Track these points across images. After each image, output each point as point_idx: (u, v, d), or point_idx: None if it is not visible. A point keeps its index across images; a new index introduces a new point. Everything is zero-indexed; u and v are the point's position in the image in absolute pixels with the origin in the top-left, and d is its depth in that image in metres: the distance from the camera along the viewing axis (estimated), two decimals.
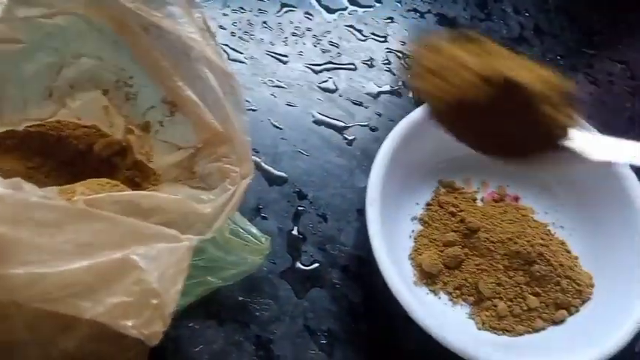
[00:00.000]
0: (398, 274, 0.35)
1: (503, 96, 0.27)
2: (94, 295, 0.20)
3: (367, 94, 0.48)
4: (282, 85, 0.47)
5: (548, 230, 0.41)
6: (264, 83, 0.47)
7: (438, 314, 0.38)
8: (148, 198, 0.25)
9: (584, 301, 0.38)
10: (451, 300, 0.39)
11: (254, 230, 0.38)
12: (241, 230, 0.37)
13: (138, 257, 0.21)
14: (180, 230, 0.24)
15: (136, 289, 0.21)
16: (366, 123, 0.46)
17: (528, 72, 0.27)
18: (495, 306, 0.38)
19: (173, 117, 0.29)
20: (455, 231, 0.40)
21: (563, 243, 0.41)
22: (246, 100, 0.46)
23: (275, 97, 0.46)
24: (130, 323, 0.21)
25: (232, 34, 0.49)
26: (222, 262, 0.37)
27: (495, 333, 0.38)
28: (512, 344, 0.37)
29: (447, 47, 0.28)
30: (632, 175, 0.40)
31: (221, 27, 0.49)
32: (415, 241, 0.41)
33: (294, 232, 0.41)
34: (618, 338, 0.34)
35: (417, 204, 0.43)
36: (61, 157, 0.35)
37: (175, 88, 0.27)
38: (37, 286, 0.19)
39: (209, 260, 0.37)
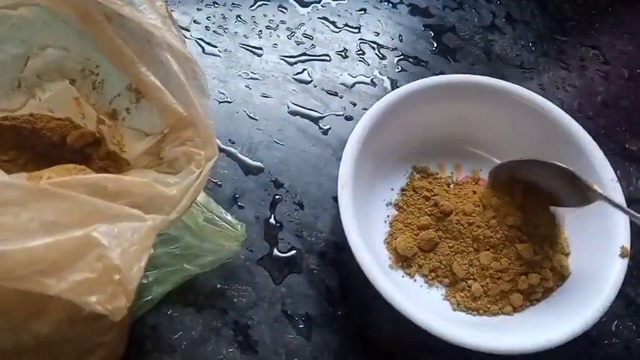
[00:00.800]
0: (372, 257, 0.35)
1: None
2: (57, 272, 0.21)
3: (342, 84, 0.48)
4: (256, 77, 0.48)
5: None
6: (239, 76, 0.47)
7: (414, 297, 0.39)
8: (113, 181, 0.25)
9: (557, 284, 0.39)
10: (427, 282, 0.40)
11: (229, 218, 0.38)
12: (217, 218, 0.38)
13: (100, 235, 0.21)
14: (146, 212, 0.25)
15: (98, 266, 0.21)
16: (340, 112, 0.47)
17: None
18: (470, 287, 0.39)
19: (139, 104, 0.29)
20: (429, 215, 0.41)
21: (536, 226, 0.41)
22: (222, 93, 0.47)
23: (250, 88, 0.47)
24: (93, 299, 0.21)
25: (207, 28, 0.49)
26: (198, 249, 0.37)
27: (470, 313, 0.38)
28: (487, 324, 0.38)
29: None
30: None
31: (195, 21, 0.49)
32: (390, 226, 0.42)
33: (271, 220, 0.42)
34: (588, 316, 0.34)
35: (392, 189, 0.43)
36: (36, 149, 0.36)
37: (139, 74, 0.28)
38: (1, 262, 0.20)
39: (185, 248, 0.37)
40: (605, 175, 0.40)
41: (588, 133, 0.41)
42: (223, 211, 0.38)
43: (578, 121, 0.42)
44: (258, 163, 0.44)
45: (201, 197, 0.39)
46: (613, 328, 0.41)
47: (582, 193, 0.37)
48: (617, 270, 0.36)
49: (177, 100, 0.27)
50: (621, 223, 0.38)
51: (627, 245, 0.37)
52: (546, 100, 0.42)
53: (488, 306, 0.38)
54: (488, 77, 0.43)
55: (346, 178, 0.37)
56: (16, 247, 0.20)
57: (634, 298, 0.42)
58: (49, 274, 0.21)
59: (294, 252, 0.41)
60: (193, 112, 0.27)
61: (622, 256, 0.36)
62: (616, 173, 0.47)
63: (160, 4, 0.28)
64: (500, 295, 0.38)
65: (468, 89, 0.42)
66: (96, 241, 0.21)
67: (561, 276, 0.39)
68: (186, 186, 0.26)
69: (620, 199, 0.39)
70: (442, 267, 0.39)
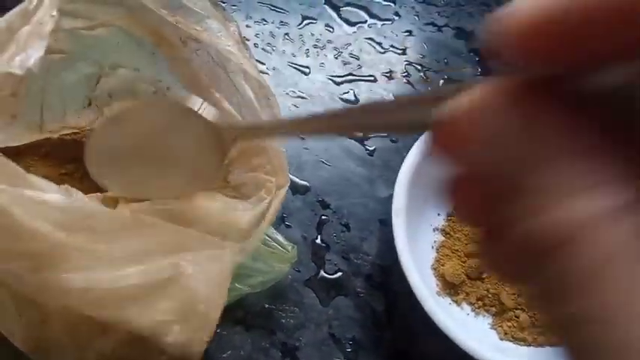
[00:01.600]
0: (423, 283, 0.36)
1: None
2: (145, 301, 0.21)
3: None
4: (303, 95, 0.48)
5: None
6: (287, 94, 0.48)
7: (461, 324, 0.38)
8: (189, 206, 0.25)
9: None
10: (473, 311, 0.39)
11: (281, 238, 0.38)
12: (268, 238, 0.38)
13: (187, 263, 0.22)
14: (221, 239, 0.25)
15: (183, 295, 0.21)
16: (385, 134, 0.47)
17: None
18: (517, 317, 0.38)
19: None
20: (476, 242, 0.41)
21: None
22: None
23: (297, 107, 0.47)
24: (176, 328, 0.21)
25: (255, 45, 0.50)
26: (249, 269, 0.37)
27: (517, 343, 0.38)
28: (534, 355, 0.37)
29: None
30: None
31: (244, 38, 0.50)
32: (437, 252, 0.41)
33: (318, 240, 0.42)
34: None
35: (439, 214, 0.43)
36: None
37: (212, 99, 0.28)
38: (91, 292, 0.20)
39: (237, 267, 0.37)
40: None
41: None
42: (274, 231, 0.38)
43: None
44: (305, 183, 0.44)
45: None
46: None
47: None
48: None
49: None
50: None
51: None
52: None
53: (536, 337, 0.38)
54: None
55: (400, 205, 0.37)
56: (109, 276, 0.20)
57: None
58: (137, 304, 0.21)
59: (340, 274, 0.41)
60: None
61: None
62: None
63: (234, 30, 0.29)
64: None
65: None
66: (182, 269, 0.22)
67: None
68: (259, 213, 0.26)
69: None
70: (489, 296, 0.39)
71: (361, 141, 0.46)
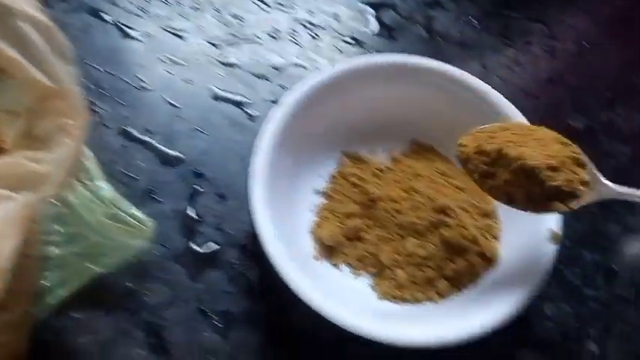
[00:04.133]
0: (287, 249, 0.34)
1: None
2: None
3: (272, 67, 0.46)
4: (179, 61, 0.45)
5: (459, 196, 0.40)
6: (161, 61, 0.45)
7: (338, 287, 0.37)
8: None
9: (486, 270, 0.37)
10: (353, 272, 0.38)
11: (138, 214, 0.36)
12: (123, 214, 0.36)
13: None
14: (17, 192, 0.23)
15: None
16: (270, 98, 0.44)
17: (532, 147, 0.31)
18: (395, 275, 0.37)
19: (3, 83, 0.27)
20: (356, 202, 0.39)
21: (469, 209, 0.39)
22: (140, 79, 0.44)
23: (171, 74, 0.44)
24: None
25: (126, 10, 0.46)
26: (102, 248, 0.35)
27: (396, 302, 0.36)
28: (412, 313, 0.36)
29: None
30: None
31: (114, 4, 0.46)
32: (317, 215, 0.39)
33: (190, 213, 0.39)
34: (514, 305, 0.32)
35: (320, 176, 0.41)
36: None
37: None
38: None
39: (89, 247, 0.35)
40: None
41: (531, 111, 0.39)
42: (131, 206, 0.36)
43: (520, 100, 0.40)
44: (178, 154, 0.41)
45: (108, 192, 0.36)
46: (547, 311, 0.39)
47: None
48: (546, 256, 0.34)
49: (41, 72, 0.25)
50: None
51: (557, 229, 0.35)
52: (477, 79, 0.40)
53: (414, 294, 0.36)
54: (420, 57, 0.41)
55: (261, 166, 0.35)
56: None
57: (571, 279, 0.41)
58: None
59: (213, 246, 0.38)
60: (58, 81, 0.25)
61: (552, 240, 0.34)
62: None
63: None
64: (427, 282, 0.36)
65: (398, 70, 0.40)
66: None
67: (490, 262, 0.37)
68: (61, 159, 0.24)
69: None
70: (368, 256, 0.37)
71: (242, 106, 0.44)
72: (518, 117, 0.38)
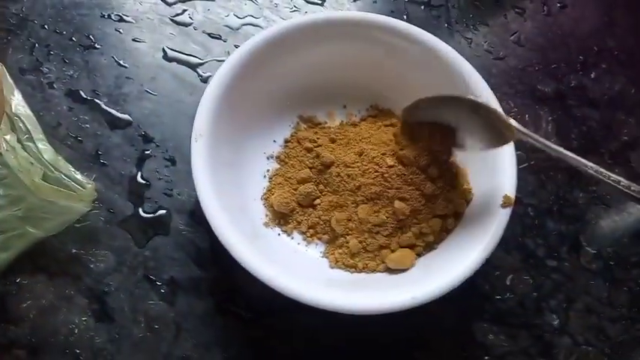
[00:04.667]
0: (229, 216, 0.32)
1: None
2: None
3: (226, 26, 0.44)
4: (129, 19, 0.43)
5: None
6: (109, 17, 0.43)
7: (289, 255, 0.36)
8: None
9: (439, 239, 0.36)
10: (305, 240, 0.37)
11: (78, 176, 0.35)
12: (64, 177, 0.35)
13: None
14: None
15: None
16: (223, 58, 0.43)
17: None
18: (347, 243, 0.36)
19: None
20: (310, 167, 0.38)
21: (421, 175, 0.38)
22: (88, 38, 0.42)
23: (120, 32, 0.42)
24: None
25: None
26: (42, 211, 0.34)
27: (348, 271, 0.36)
28: (364, 281, 0.35)
29: None
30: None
31: None
32: (270, 181, 0.38)
33: (138, 178, 0.38)
34: (460, 272, 0.32)
35: (275, 141, 0.40)
36: None
37: None
38: None
39: (28, 210, 0.34)
40: None
41: (497, 73, 0.38)
42: (72, 169, 0.35)
43: (486, 63, 0.38)
44: (126, 116, 0.40)
45: (49, 155, 0.35)
46: (507, 282, 0.39)
47: (498, 131, 0.33)
48: (496, 221, 0.33)
49: None
50: (507, 173, 0.35)
51: (511, 194, 0.34)
52: (436, 37, 0.38)
53: (367, 262, 0.35)
54: (375, 14, 0.39)
55: (202, 129, 0.34)
56: None
57: (533, 250, 0.40)
58: None
59: (161, 212, 0.37)
60: None
61: (504, 206, 0.34)
62: (524, 117, 0.44)
63: None
64: (379, 250, 0.35)
65: (350, 28, 0.38)
66: None
67: (446, 230, 0.36)
68: None
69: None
70: (321, 223, 0.36)
71: (194, 67, 0.42)
72: (477, 80, 0.37)
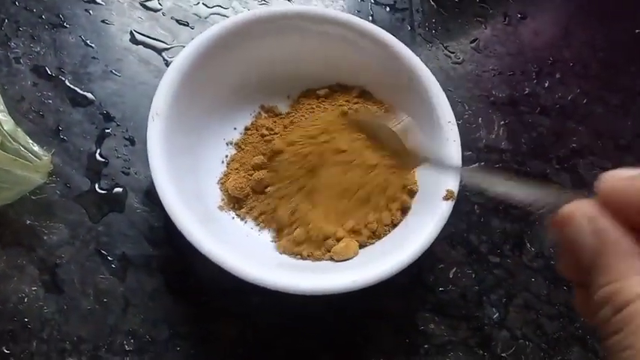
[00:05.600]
0: (181, 196, 0.33)
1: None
2: None
3: (195, 14, 0.45)
4: (99, 1, 0.44)
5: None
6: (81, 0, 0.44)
7: (240, 239, 0.37)
8: None
9: (384, 231, 0.37)
10: (257, 225, 0.38)
11: (36, 148, 0.35)
12: (22, 149, 0.35)
13: None
14: None
15: None
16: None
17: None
18: (292, 233, 0.37)
19: None
20: (263, 154, 0.39)
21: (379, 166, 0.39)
22: (58, 16, 0.43)
23: (90, 13, 0.43)
24: None
25: None
26: None
27: (295, 258, 0.37)
28: (310, 266, 0.36)
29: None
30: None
31: None
32: (227, 166, 0.39)
33: (97, 155, 0.39)
34: (398, 261, 0.33)
35: (235, 129, 0.41)
36: None
37: None
38: None
39: None
40: (443, 117, 0.38)
41: (455, 77, 0.39)
42: (30, 141, 0.35)
43: (444, 65, 0.40)
44: (88, 94, 0.40)
45: (9, 126, 0.36)
46: (451, 275, 0.40)
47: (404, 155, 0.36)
48: (438, 213, 0.35)
49: None
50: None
51: (453, 189, 0.35)
52: (394, 37, 0.39)
53: (312, 251, 0.36)
54: (340, 12, 0.40)
55: (160, 108, 0.34)
56: None
57: (477, 246, 0.42)
58: None
59: (118, 189, 0.38)
60: None
61: (446, 198, 0.35)
62: (477, 119, 0.46)
63: None
64: (323, 240, 0.37)
65: (315, 23, 0.39)
66: None
67: (392, 223, 0.37)
68: None
69: (455, 139, 0.37)
70: (270, 210, 0.38)
71: (160, 51, 0.43)
72: (428, 78, 0.38)
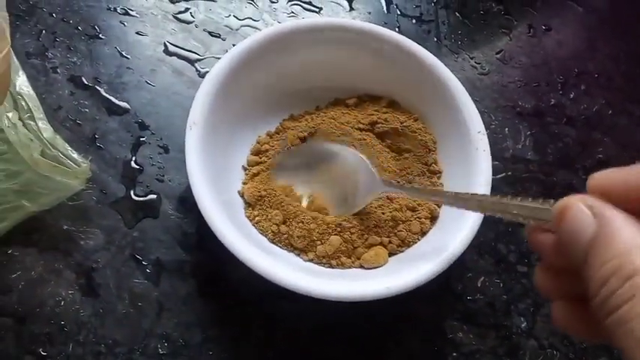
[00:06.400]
0: (219, 203, 0.34)
1: None
2: None
3: (226, 26, 0.46)
4: (134, 13, 0.45)
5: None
6: (115, 11, 0.45)
7: (267, 244, 0.37)
8: None
9: (414, 240, 0.37)
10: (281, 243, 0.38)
11: (75, 155, 0.36)
12: (61, 155, 0.36)
13: None
14: None
15: None
16: (221, 55, 0.45)
17: None
18: (323, 244, 0.37)
19: None
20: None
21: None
22: (93, 28, 0.44)
23: (125, 25, 0.44)
24: None
25: None
26: (38, 186, 0.35)
27: (322, 265, 0.37)
28: (339, 274, 0.36)
29: None
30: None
31: None
32: (246, 173, 0.40)
33: (132, 162, 0.40)
34: (425, 272, 0.33)
35: (260, 136, 0.41)
36: None
37: None
38: None
39: (25, 184, 0.35)
40: (472, 127, 0.38)
41: (481, 87, 0.40)
42: (69, 148, 0.36)
43: (470, 76, 0.40)
44: (124, 104, 0.42)
45: (48, 134, 0.37)
46: (479, 284, 0.40)
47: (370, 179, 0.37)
48: (468, 224, 0.35)
49: None
50: (481, 179, 0.36)
51: None
52: (423, 48, 0.40)
53: (342, 260, 0.37)
54: (369, 24, 0.41)
55: (197, 118, 0.35)
56: None
57: (505, 255, 0.42)
58: None
59: (152, 196, 0.39)
60: None
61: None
62: (504, 130, 0.46)
63: None
64: (353, 250, 0.37)
65: (345, 34, 0.40)
66: None
67: (421, 232, 0.38)
68: None
69: (485, 149, 0.37)
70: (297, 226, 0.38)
71: (193, 62, 0.44)
72: (454, 83, 0.39)
